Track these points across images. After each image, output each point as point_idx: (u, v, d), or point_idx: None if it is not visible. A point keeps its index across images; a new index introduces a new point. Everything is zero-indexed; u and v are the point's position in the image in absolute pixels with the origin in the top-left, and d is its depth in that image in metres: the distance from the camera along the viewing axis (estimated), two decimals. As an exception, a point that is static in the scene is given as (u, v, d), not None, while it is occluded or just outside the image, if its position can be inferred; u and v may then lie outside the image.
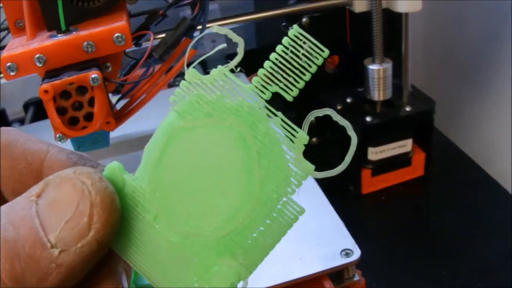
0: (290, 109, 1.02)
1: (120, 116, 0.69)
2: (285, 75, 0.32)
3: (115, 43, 0.63)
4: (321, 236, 0.66)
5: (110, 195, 0.30)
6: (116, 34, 0.62)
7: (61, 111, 0.61)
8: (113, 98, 0.71)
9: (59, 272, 0.28)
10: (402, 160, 0.96)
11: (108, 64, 0.67)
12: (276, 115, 0.32)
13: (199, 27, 0.69)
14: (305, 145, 0.32)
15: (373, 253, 0.83)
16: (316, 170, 0.32)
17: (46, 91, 0.59)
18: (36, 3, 0.64)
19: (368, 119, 0.89)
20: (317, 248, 0.64)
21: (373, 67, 0.89)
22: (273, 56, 0.32)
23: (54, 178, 0.30)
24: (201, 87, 0.32)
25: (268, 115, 0.32)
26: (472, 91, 1.14)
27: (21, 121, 1.14)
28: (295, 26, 0.31)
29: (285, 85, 0.32)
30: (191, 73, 0.32)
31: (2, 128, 0.34)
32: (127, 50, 0.68)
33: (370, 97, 0.91)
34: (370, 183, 0.95)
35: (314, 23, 0.94)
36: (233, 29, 1.13)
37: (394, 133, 0.93)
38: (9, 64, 0.61)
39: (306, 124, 0.33)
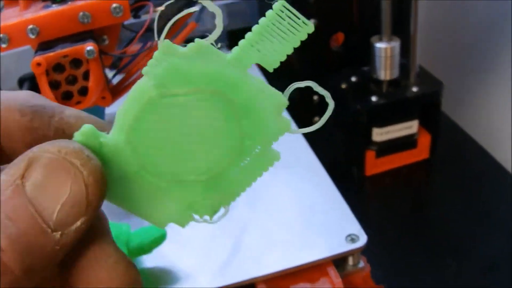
0: (295, 88, 1.00)
1: (116, 91, 0.66)
2: (267, 47, 0.31)
3: (112, 14, 0.60)
4: (325, 221, 0.64)
5: (101, 172, 0.30)
6: (114, 5, 0.60)
7: (54, 85, 0.59)
8: (110, 74, 0.69)
9: (62, 251, 0.28)
10: (407, 142, 0.93)
11: (105, 37, 0.65)
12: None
13: (201, -1, 0.67)
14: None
15: (375, 237, 0.81)
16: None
17: (39, 64, 0.58)
18: (29, -29, 0.61)
19: (373, 99, 0.87)
20: (321, 234, 0.62)
21: (380, 45, 0.86)
22: (256, 27, 0.31)
23: (37, 157, 0.29)
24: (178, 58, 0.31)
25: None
26: (480, 75, 1.12)
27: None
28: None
29: (266, 55, 0.31)
30: (166, 45, 0.30)
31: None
32: (125, 23, 0.66)
33: (376, 76, 0.89)
34: (374, 165, 0.93)
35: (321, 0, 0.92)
36: (235, 5, 1.10)
37: (400, 114, 0.90)
38: (1, 35, 0.59)
39: (287, 93, 0.33)
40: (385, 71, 0.87)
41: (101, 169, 0.30)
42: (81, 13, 0.59)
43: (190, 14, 0.66)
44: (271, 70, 0.32)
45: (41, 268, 0.28)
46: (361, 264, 0.63)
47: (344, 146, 0.94)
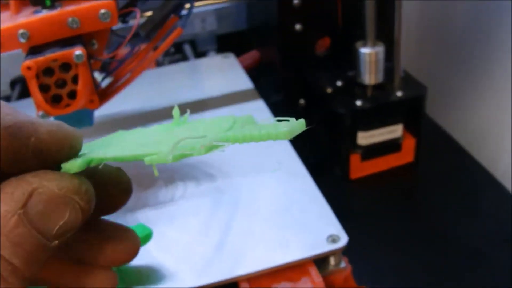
0: (280, 91, 1.02)
1: (104, 95, 0.68)
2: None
3: (100, 19, 0.62)
4: (306, 221, 0.65)
5: (93, 195, 0.34)
6: (102, 10, 0.61)
7: (44, 89, 0.60)
8: (99, 77, 0.70)
9: (57, 247, 0.33)
10: (392, 145, 0.95)
11: (94, 41, 0.66)
12: None
13: (187, 5, 0.68)
14: None
15: (360, 239, 0.82)
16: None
17: (29, 68, 0.59)
18: (20, -22, 0.63)
19: (358, 103, 0.88)
20: (302, 234, 0.63)
21: (364, 50, 0.87)
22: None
23: (38, 192, 0.32)
24: None
25: None
26: (463, 78, 1.13)
27: (7, 99, 1.13)
28: None
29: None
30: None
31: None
32: (113, 28, 0.67)
33: (361, 81, 0.90)
34: (359, 168, 0.94)
35: (306, 4, 0.93)
36: (224, 9, 1.12)
37: (385, 117, 0.91)
38: (-9, 39, 0.60)
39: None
40: (370, 76, 0.89)
41: (93, 192, 0.34)
42: (70, 19, 0.61)
43: (177, 18, 0.68)
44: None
45: (41, 267, 0.33)
46: (343, 264, 0.64)
47: (329, 149, 0.95)
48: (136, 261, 0.61)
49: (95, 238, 0.40)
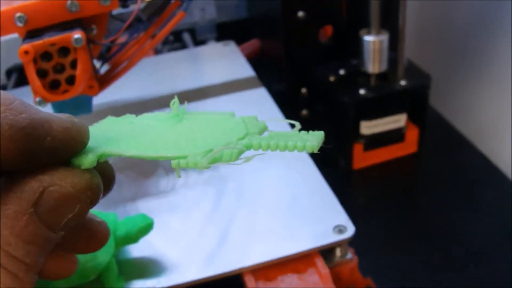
0: (282, 80, 1.00)
1: (104, 81, 0.66)
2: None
3: (100, 2, 0.60)
4: (312, 211, 0.64)
5: (102, 189, 0.34)
6: (102, -7, 0.59)
7: (42, 74, 0.59)
8: (98, 64, 0.68)
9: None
10: (395, 136, 0.93)
11: (93, 26, 0.64)
12: None
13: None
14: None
15: (362, 230, 0.81)
16: None
17: (26, 52, 0.57)
18: (17, -41, 0.61)
19: (362, 92, 0.87)
20: (308, 224, 0.62)
21: (369, 38, 0.86)
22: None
23: (50, 190, 0.32)
24: None
25: None
26: (466, 69, 1.12)
27: (3, 88, 1.12)
28: None
29: None
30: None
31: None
32: (113, 12, 0.66)
33: (364, 70, 0.88)
34: (362, 158, 0.93)
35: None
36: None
37: (388, 107, 0.90)
38: (-12, 23, 0.59)
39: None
40: (373, 64, 0.87)
41: (102, 184, 0.34)
42: (69, 2, 0.59)
43: (178, 3, 0.66)
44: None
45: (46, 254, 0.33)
46: (349, 255, 0.63)
47: (332, 139, 0.94)
48: (138, 253, 0.60)
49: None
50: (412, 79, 0.90)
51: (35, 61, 0.57)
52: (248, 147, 0.34)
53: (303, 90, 0.98)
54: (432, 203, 0.89)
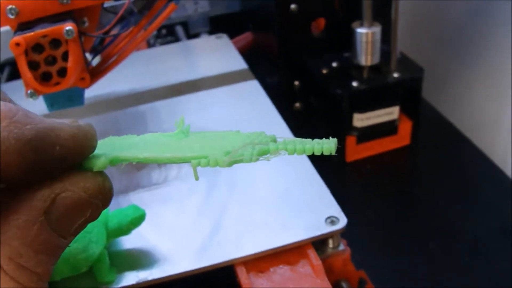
0: (274, 73, 1.00)
1: (96, 73, 0.66)
2: None
3: (91, -6, 0.60)
4: (305, 203, 0.64)
5: (113, 192, 0.34)
6: (94, -15, 0.59)
7: (33, 66, 0.59)
8: (90, 57, 0.68)
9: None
10: (388, 128, 0.93)
11: (85, 19, 0.64)
12: None
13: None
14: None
15: (356, 223, 0.81)
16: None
17: (17, 44, 0.57)
18: (8, -50, 0.61)
19: (354, 84, 0.87)
20: (300, 215, 0.62)
21: (361, 30, 0.86)
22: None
23: (61, 196, 0.31)
24: None
25: None
26: (459, 61, 1.12)
27: (-4, 82, 1.12)
28: None
29: None
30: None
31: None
32: (105, 5, 0.66)
33: (357, 62, 0.88)
34: (355, 151, 0.93)
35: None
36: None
37: (381, 99, 0.90)
38: (-21, 15, 0.58)
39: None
40: (366, 57, 0.87)
41: (112, 187, 0.33)
42: (60, -7, 0.59)
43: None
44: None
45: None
46: (342, 247, 0.63)
47: (325, 131, 0.94)
48: (129, 244, 0.60)
49: None
50: (405, 72, 0.90)
51: (26, 53, 0.57)
52: (266, 151, 0.34)
53: (296, 83, 0.98)
54: (425, 195, 0.89)
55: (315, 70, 0.92)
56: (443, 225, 0.83)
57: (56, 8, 0.60)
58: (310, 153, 0.34)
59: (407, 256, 0.79)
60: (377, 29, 0.86)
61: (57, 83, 0.60)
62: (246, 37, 1.09)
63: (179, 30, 1.15)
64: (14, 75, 1.07)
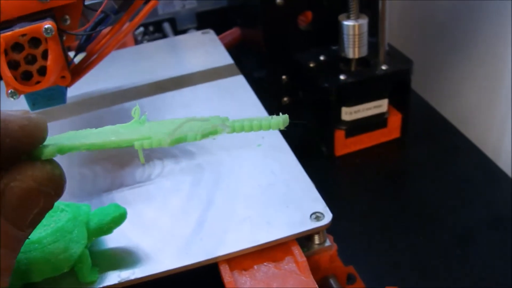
0: (262, 67, 1.00)
1: (77, 71, 0.66)
2: None
3: (72, -9, 0.59)
4: (289, 199, 0.63)
5: (65, 180, 0.35)
6: (74, -18, 0.59)
7: (13, 65, 0.58)
8: (72, 55, 0.68)
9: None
10: (377, 121, 0.93)
11: (67, 17, 0.64)
12: None
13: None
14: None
15: (345, 217, 0.80)
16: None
17: (-4, 43, 0.56)
18: None
19: (342, 77, 0.86)
20: (285, 211, 0.61)
21: (348, 23, 0.85)
22: None
23: (10, 186, 0.31)
24: None
25: None
26: (449, 53, 1.12)
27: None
28: None
29: None
30: None
31: None
32: (86, 2, 0.65)
33: (344, 55, 0.88)
34: (344, 145, 0.92)
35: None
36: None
37: (370, 92, 0.90)
38: (-43, 16, 0.58)
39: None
40: (354, 49, 0.87)
41: (64, 175, 0.34)
42: (39, -9, 0.58)
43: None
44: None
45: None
46: (328, 243, 0.62)
47: (313, 125, 0.93)
48: (111, 243, 0.59)
49: None
50: (393, 64, 0.89)
51: (6, 52, 0.57)
52: (212, 130, 0.34)
53: (284, 77, 0.98)
54: (416, 188, 0.89)
55: (303, 63, 0.91)
56: (434, 218, 0.82)
57: (36, 7, 0.59)
58: (258, 129, 0.35)
59: (398, 250, 0.78)
60: (364, 21, 0.86)
61: (38, 82, 0.59)
62: (233, 32, 1.08)
63: (167, 26, 1.14)
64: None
